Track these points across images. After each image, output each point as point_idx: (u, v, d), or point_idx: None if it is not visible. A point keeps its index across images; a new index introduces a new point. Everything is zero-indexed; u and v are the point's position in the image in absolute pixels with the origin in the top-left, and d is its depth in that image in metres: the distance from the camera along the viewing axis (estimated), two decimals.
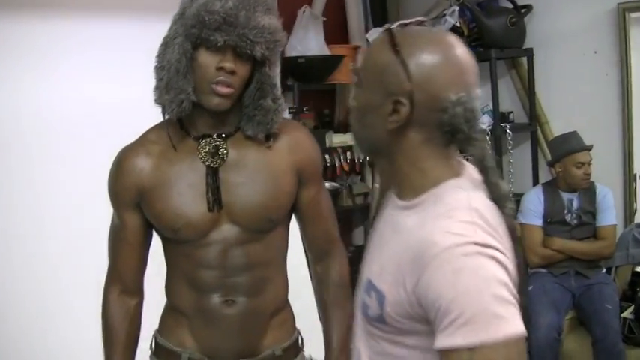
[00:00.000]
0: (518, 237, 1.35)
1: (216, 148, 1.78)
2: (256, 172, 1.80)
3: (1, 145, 2.89)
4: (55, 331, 2.84)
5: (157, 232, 1.85)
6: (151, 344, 1.92)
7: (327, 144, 4.44)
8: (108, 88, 3.10)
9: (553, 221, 3.87)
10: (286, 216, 1.88)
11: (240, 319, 1.81)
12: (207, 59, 1.67)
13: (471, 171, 1.35)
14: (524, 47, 4.38)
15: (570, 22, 4.21)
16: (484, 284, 1.12)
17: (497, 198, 1.28)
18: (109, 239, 1.88)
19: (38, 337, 2.81)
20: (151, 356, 1.92)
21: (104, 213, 1.89)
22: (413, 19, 1.34)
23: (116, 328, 1.88)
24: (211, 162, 1.77)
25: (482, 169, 1.29)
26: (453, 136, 1.27)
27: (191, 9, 1.66)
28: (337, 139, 4.47)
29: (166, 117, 1.77)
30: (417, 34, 1.30)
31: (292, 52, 4.27)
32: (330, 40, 4.43)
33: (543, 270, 3.88)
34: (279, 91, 1.81)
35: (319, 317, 1.96)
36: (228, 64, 1.66)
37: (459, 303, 1.11)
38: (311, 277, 2.00)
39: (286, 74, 4.28)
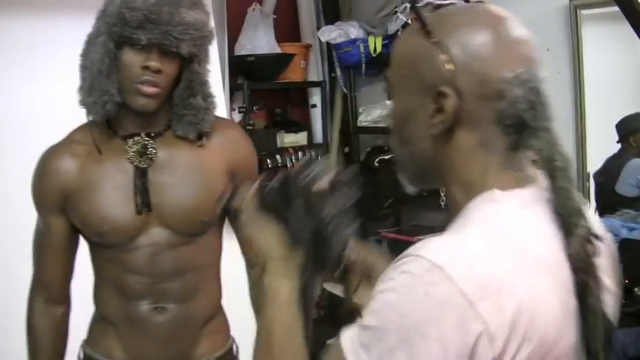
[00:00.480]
0: (593, 269, 0.95)
1: (145, 147, 1.69)
2: (187, 172, 1.72)
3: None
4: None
5: (84, 236, 1.76)
6: (79, 355, 1.82)
7: (279, 144, 4.35)
8: None
9: None
10: (220, 218, 1.79)
11: (170, 328, 1.73)
12: (131, 58, 1.59)
13: (543, 183, 1.03)
14: None
15: (522, 18, 4.10)
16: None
17: (565, 212, 0.97)
18: (33, 245, 1.78)
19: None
20: None
21: None
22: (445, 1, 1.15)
23: (41, 338, 1.79)
24: (139, 162, 1.69)
25: (550, 171, 0.98)
26: (519, 133, 0.99)
27: (113, 5, 1.57)
28: (288, 139, 4.38)
29: (89, 119, 1.67)
30: (451, 11, 1.07)
31: (242, 50, 4.19)
32: (281, 38, 4.34)
33: None
34: (210, 88, 1.73)
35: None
36: (154, 63, 1.58)
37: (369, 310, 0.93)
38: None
39: (236, 73, 4.20)
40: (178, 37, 1.57)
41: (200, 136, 1.72)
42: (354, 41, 4.16)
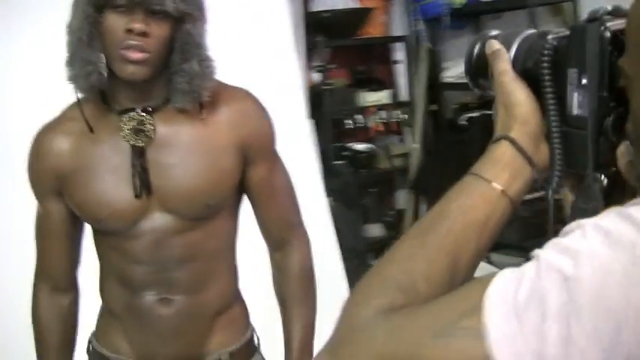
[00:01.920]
0: None
1: (142, 123, 1.53)
2: (191, 150, 1.56)
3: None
4: None
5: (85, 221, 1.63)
6: (87, 348, 1.72)
7: (361, 103, 4.16)
8: None
9: None
10: (231, 199, 1.63)
11: (177, 321, 1.59)
12: (113, 22, 1.42)
13: None
14: None
15: None
16: None
17: None
18: (35, 232, 1.67)
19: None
20: None
21: None
22: None
23: (48, 330, 1.69)
24: (136, 140, 1.53)
25: None
26: None
27: None
28: (370, 98, 4.18)
29: (78, 95, 1.53)
30: None
31: (318, 6, 4.01)
32: None
33: None
34: (207, 51, 1.53)
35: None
36: (138, 25, 1.41)
37: None
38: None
39: (314, 30, 4.02)
40: None
41: (200, 107, 1.55)
42: None
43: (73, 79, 1.47)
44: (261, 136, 1.63)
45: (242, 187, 1.64)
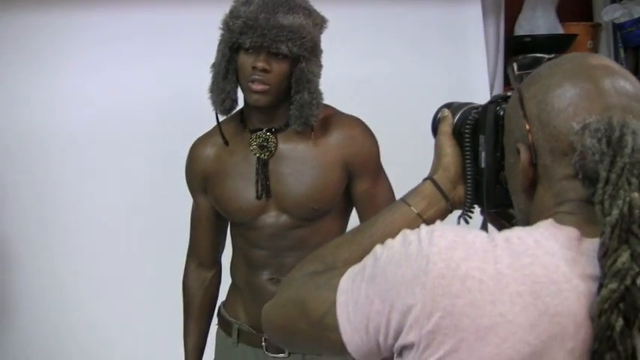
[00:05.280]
0: (618, 345, 0.86)
1: (266, 140, 1.93)
2: (303, 164, 1.92)
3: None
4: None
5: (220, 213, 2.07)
6: (218, 312, 2.15)
7: None
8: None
9: None
10: (337, 205, 1.97)
11: None
12: (244, 60, 1.84)
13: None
14: None
15: None
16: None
17: (601, 272, 0.88)
18: (190, 220, 2.13)
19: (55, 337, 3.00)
20: (217, 324, 2.15)
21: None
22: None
23: (192, 296, 2.15)
24: (261, 153, 1.93)
25: (601, 225, 0.89)
26: (595, 186, 0.92)
27: (224, 16, 1.84)
28: None
29: (219, 115, 1.96)
30: (544, 65, 1.06)
31: (520, 30, 4.15)
32: (568, 17, 4.20)
33: None
34: (316, 84, 1.89)
35: None
36: (260, 64, 1.81)
37: None
38: None
39: (516, 54, 4.16)
40: (275, 39, 1.79)
41: (311, 130, 1.91)
42: (637, 21, 3.90)
43: (214, 103, 1.91)
44: (364, 155, 1.96)
45: (349, 198, 2.00)
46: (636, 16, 3.91)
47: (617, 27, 4.06)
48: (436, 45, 3.58)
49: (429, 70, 3.53)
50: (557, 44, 4.13)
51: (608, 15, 4.04)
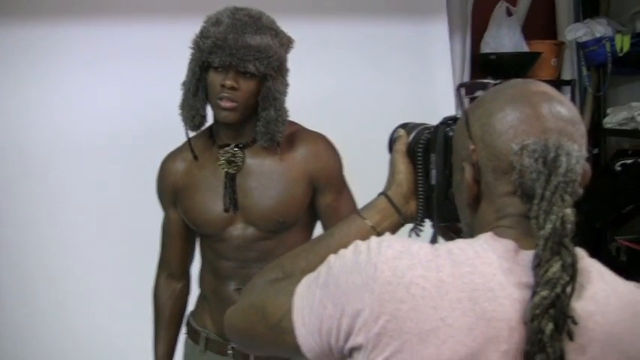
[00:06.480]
0: (548, 348, 0.96)
1: (234, 156, 2.00)
2: (269, 178, 2.00)
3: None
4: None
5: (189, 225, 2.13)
6: (187, 322, 2.22)
7: None
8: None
9: None
10: (302, 218, 2.05)
11: None
12: (213, 78, 1.91)
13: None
14: None
15: None
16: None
17: (535, 280, 0.98)
18: (161, 232, 2.19)
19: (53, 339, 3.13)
20: (186, 333, 2.22)
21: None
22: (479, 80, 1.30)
23: (162, 306, 2.21)
24: (228, 168, 2.00)
25: (536, 239, 0.99)
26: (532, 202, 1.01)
27: (195, 36, 1.91)
28: None
29: (188, 131, 2.03)
30: (489, 90, 1.15)
31: (486, 48, 4.25)
32: (533, 35, 4.32)
33: None
34: (282, 102, 1.97)
35: None
36: (228, 82, 1.88)
37: None
38: None
39: (483, 72, 4.27)
40: (242, 59, 1.86)
41: (277, 145, 1.99)
42: (599, 40, 4.02)
43: (184, 120, 1.98)
44: (328, 170, 2.04)
45: (314, 211, 2.07)
46: (598, 35, 4.02)
47: (580, 45, 4.17)
48: (403, 62, 3.67)
49: (395, 86, 3.62)
50: (522, 62, 4.25)
51: (572, 34, 4.16)
